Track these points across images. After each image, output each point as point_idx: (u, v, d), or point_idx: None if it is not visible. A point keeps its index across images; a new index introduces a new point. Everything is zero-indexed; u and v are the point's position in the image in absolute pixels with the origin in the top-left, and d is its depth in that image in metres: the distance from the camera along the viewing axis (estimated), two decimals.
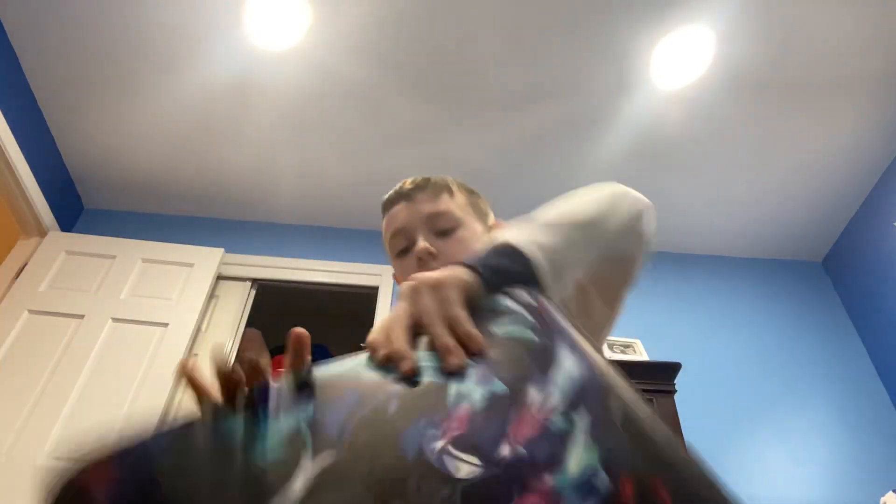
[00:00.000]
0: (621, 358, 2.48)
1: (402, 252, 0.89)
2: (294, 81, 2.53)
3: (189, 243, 2.84)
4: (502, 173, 2.92)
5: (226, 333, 2.72)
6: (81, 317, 2.50)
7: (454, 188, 0.92)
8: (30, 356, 2.37)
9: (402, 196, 0.93)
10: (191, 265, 2.73)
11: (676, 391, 2.13)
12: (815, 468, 2.50)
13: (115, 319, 2.51)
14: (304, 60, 2.46)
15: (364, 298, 3.02)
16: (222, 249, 2.83)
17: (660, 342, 2.76)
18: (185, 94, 2.59)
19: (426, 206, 0.89)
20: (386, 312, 2.83)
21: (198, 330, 2.61)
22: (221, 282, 2.86)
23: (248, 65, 2.47)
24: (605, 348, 2.60)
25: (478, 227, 0.89)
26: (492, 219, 0.94)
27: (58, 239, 2.76)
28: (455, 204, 0.89)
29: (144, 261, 2.72)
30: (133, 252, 2.74)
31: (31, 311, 2.49)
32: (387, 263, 3.42)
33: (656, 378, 2.15)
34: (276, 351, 3.22)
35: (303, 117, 2.68)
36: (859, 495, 2.42)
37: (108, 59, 2.48)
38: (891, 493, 2.25)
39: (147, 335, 2.48)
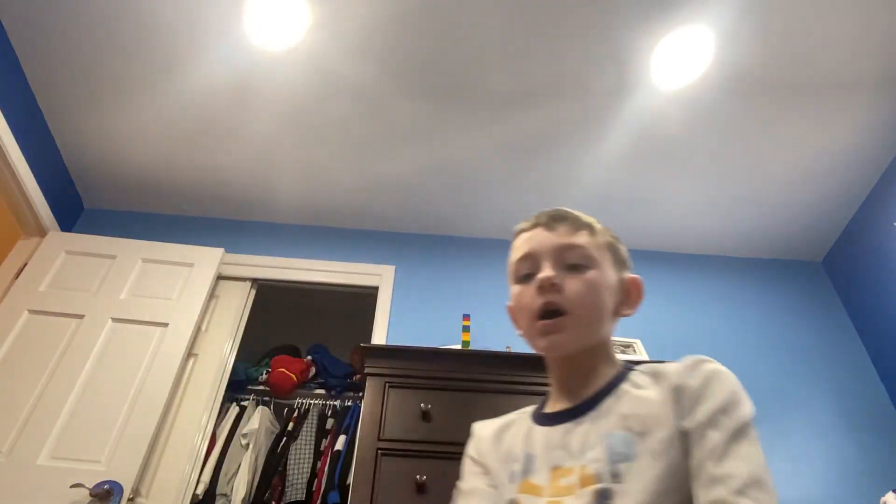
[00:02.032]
0: (621, 358, 2.48)
1: (525, 277, 0.84)
2: (294, 81, 2.53)
3: (189, 243, 2.84)
4: (502, 173, 2.92)
5: (226, 333, 2.72)
6: (81, 317, 2.50)
7: (597, 228, 0.87)
8: (30, 356, 2.37)
9: (538, 223, 0.87)
10: (191, 265, 2.73)
11: None
12: (815, 468, 2.51)
13: (115, 319, 2.51)
14: (304, 60, 2.46)
15: (364, 298, 3.03)
16: (222, 249, 2.83)
17: (660, 342, 2.76)
18: (185, 94, 2.59)
19: (561, 237, 0.84)
20: (385, 313, 2.83)
21: (198, 330, 2.61)
22: (221, 282, 2.86)
23: (248, 65, 2.47)
24: None
25: (611, 273, 0.84)
26: (630, 271, 0.90)
27: (58, 239, 2.76)
28: (593, 242, 0.85)
29: (144, 261, 2.72)
30: (133, 252, 2.74)
31: (31, 311, 2.49)
32: (387, 263, 3.42)
33: None
34: (276, 351, 3.22)
35: (303, 117, 2.68)
36: (859, 495, 2.42)
37: (108, 60, 2.48)
38: (891, 493, 2.25)
39: (147, 335, 2.48)
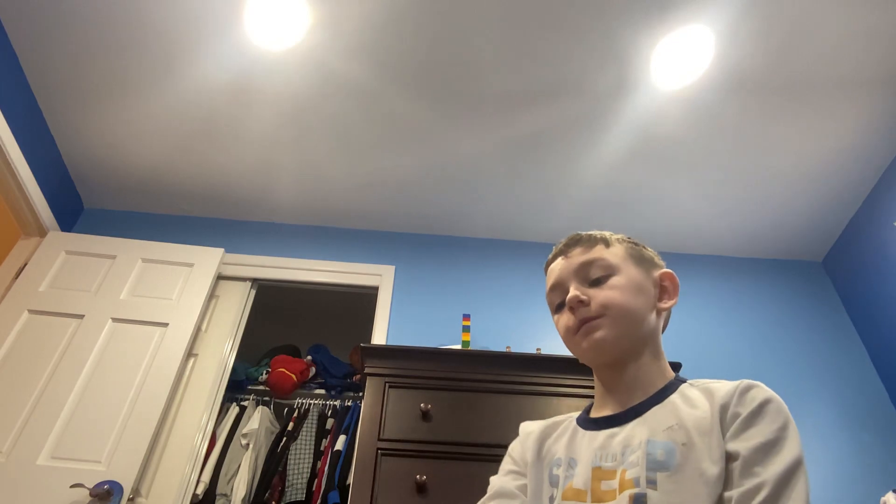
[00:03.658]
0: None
1: (559, 307, 0.88)
2: (294, 81, 2.53)
3: (189, 243, 2.84)
4: (502, 173, 2.92)
5: (226, 333, 2.72)
6: (81, 317, 2.50)
7: (612, 239, 0.92)
8: (30, 356, 2.37)
9: (558, 254, 0.93)
10: (191, 265, 2.73)
11: None
12: (814, 468, 2.50)
13: (115, 319, 2.51)
14: (304, 60, 2.46)
15: (364, 298, 3.03)
16: (222, 249, 2.83)
17: None
18: (185, 95, 2.59)
19: (578, 259, 0.89)
20: (386, 313, 2.83)
21: (198, 330, 2.61)
22: (221, 282, 2.86)
23: (248, 65, 2.47)
24: None
25: (636, 273, 0.87)
26: (661, 268, 0.92)
27: (58, 239, 2.76)
28: (610, 253, 0.89)
29: (144, 261, 2.72)
30: (133, 252, 2.74)
31: (31, 311, 2.49)
32: (387, 263, 3.43)
33: None
34: (276, 351, 3.22)
35: (303, 117, 2.68)
36: (859, 495, 2.42)
37: (108, 59, 2.48)
38: (891, 493, 2.25)
39: (147, 335, 2.48)
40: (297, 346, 3.33)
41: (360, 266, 3.02)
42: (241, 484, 2.50)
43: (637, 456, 0.73)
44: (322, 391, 3.00)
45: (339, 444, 2.60)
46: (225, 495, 2.48)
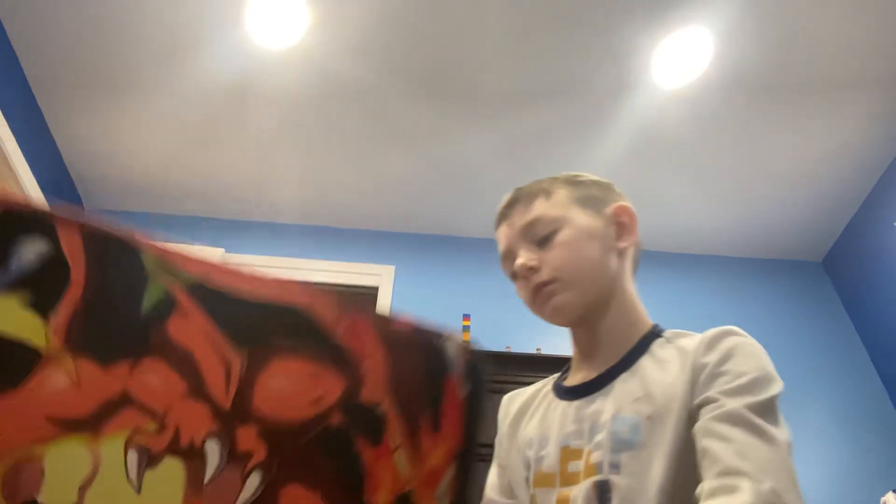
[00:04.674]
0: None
1: (513, 276, 0.82)
2: (294, 81, 2.53)
3: (189, 243, 2.84)
4: (502, 173, 2.92)
5: None
6: None
7: (552, 187, 0.83)
8: None
9: (500, 218, 0.85)
10: None
11: None
12: (815, 468, 2.50)
13: None
14: (304, 60, 2.46)
15: (364, 298, 3.02)
16: (222, 249, 2.83)
17: None
18: (185, 94, 2.59)
19: (520, 219, 0.81)
20: (385, 313, 2.83)
21: None
22: None
23: (248, 65, 2.47)
24: None
25: (584, 218, 0.80)
26: (616, 202, 0.83)
27: None
28: (552, 204, 0.80)
29: None
30: None
31: None
32: (387, 263, 3.41)
33: None
34: None
35: (303, 117, 2.68)
36: (859, 495, 2.42)
37: (108, 59, 2.48)
38: (891, 493, 2.25)
39: None
40: None
41: (360, 266, 3.02)
42: None
43: (602, 436, 0.68)
44: None
45: None
46: None
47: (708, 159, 2.82)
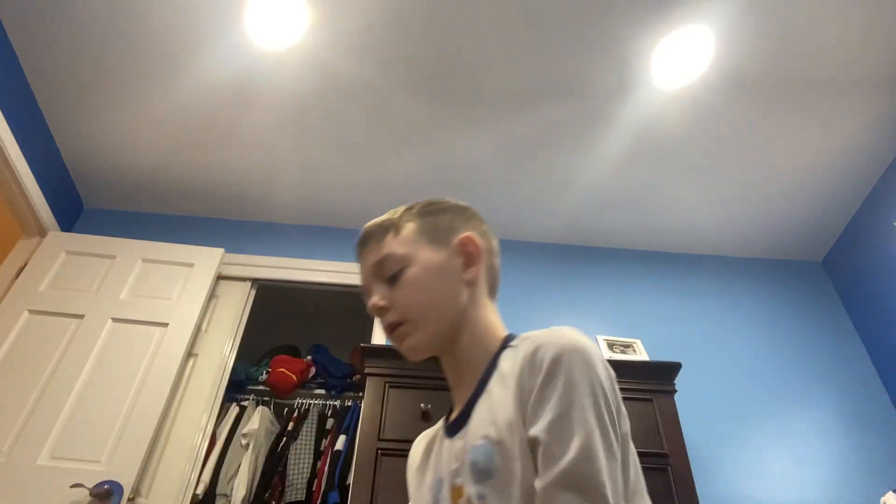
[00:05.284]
0: (621, 358, 2.49)
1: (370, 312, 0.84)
2: (294, 81, 2.53)
3: (189, 243, 2.84)
4: (502, 173, 2.92)
5: (226, 333, 2.72)
6: (81, 317, 2.50)
7: (402, 221, 0.84)
8: (30, 356, 2.37)
9: (357, 255, 0.86)
10: (191, 265, 2.73)
11: (676, 391, 2.13)
12: (815, 468, 2.50)
13: (115, 319, 2.51)
14: (304, 60, 2.46)
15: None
16: (222, 249, 2.83)
17: (660, 342, 2.76)
18: (185, 94, 2.59)
19: (371, 258, 0.83)
20: None
21: (198, 330, 2.61)
22: (221, 282, 2.86)
23: (248, 65, 2.47)
24: (605, 349, 2.60)
25: (430, 255, 0.80)
26: (462, 232, 0.83)
27: (58, 239, 2.76)
28: (399, 241, 0.81)
29: (144, 261, 2.72)
30: (133, 252, 2.74)
31: (31, 311, 2.49)
32: None
33: (656, 378, 2.14)
34: (276, 351, 3.22)
35: (303, 117, 2.68)
36: (859, 495, 2.42)
37: (108, 59, 2.48)
38: (891, 493, 2.25)
39: (147, 335, 2.48)
40: (297, 346, 3.32)
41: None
42: (241, 484, 2.49)
43: (466, 468, 0.67)
44: (322, 391, 3.00)
45: (340, 444, 2.60)
46: (225, 495, 2.48)
47: (708, 160, 2.82)
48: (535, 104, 2.60)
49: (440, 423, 0.86)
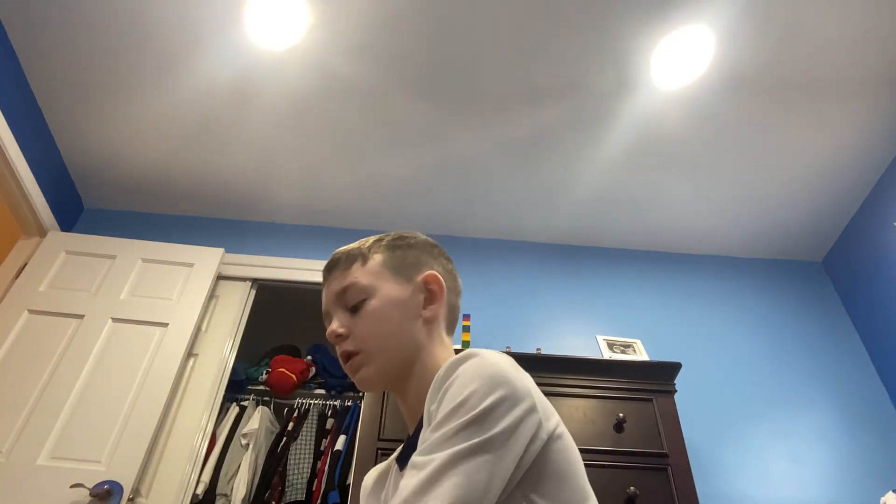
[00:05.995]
0: (621, 358, 2.49)
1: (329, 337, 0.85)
2: (294, 81, 2.53)
3: (189, 243, 2.84)
4: (502, 173, 2.92)
5: (226, 333, 2.72)
6: (81, 317, 2.50)
7: (370, 251, 0.85)
8: (30, 356, 2.37)
9: (323, 279, 0.87)
10: (191, 265, 2.73)
11: (676, 391, 2.13)
12: (815, 468, 2.51)
13: (115, 319, 2.51)
14: (304, 60, 2.46)
15: None
16: (222, 249, 2.83)
17: (660, 342, 2.76)
18: (185, 94, 2.59)
19: (336, 284, 0.83)
20: None
21: (198, 330, 2.61)
22: (221, 282, 2.86)
23: (248, 65, 2.47)
24: (605, 348, 2.60)
25: (393, 288, 0.81)
26: (427, 269, 0.85)
27: (58, 239, 2.76)
28: (365, 272, 0.82)
29: (144, 261, 2.72)
30: (133, 252, 2.74)
31: (31, 311, 2.49)
32: None
33: (656, 378, 2.15)
34: (276, 351, 3.22)
35: (303, 117, 2.68)
36: (859, 495, 2.42)
37: (108, 59, 2.48)
38: (891, 493, 2.25)
39: (147, 335, 2.48)
40: (297, 346, 3.32)
41: None
42: (241, 484, 2.49)
43: None
44: (322, 391, 3.00)
45: (339, 444, 2.60)
46: (225, 495, 2.48)
47: (708, 160, 2.82)
48: (535, 104, 2.61)
49: (393, 456, 0.86)
